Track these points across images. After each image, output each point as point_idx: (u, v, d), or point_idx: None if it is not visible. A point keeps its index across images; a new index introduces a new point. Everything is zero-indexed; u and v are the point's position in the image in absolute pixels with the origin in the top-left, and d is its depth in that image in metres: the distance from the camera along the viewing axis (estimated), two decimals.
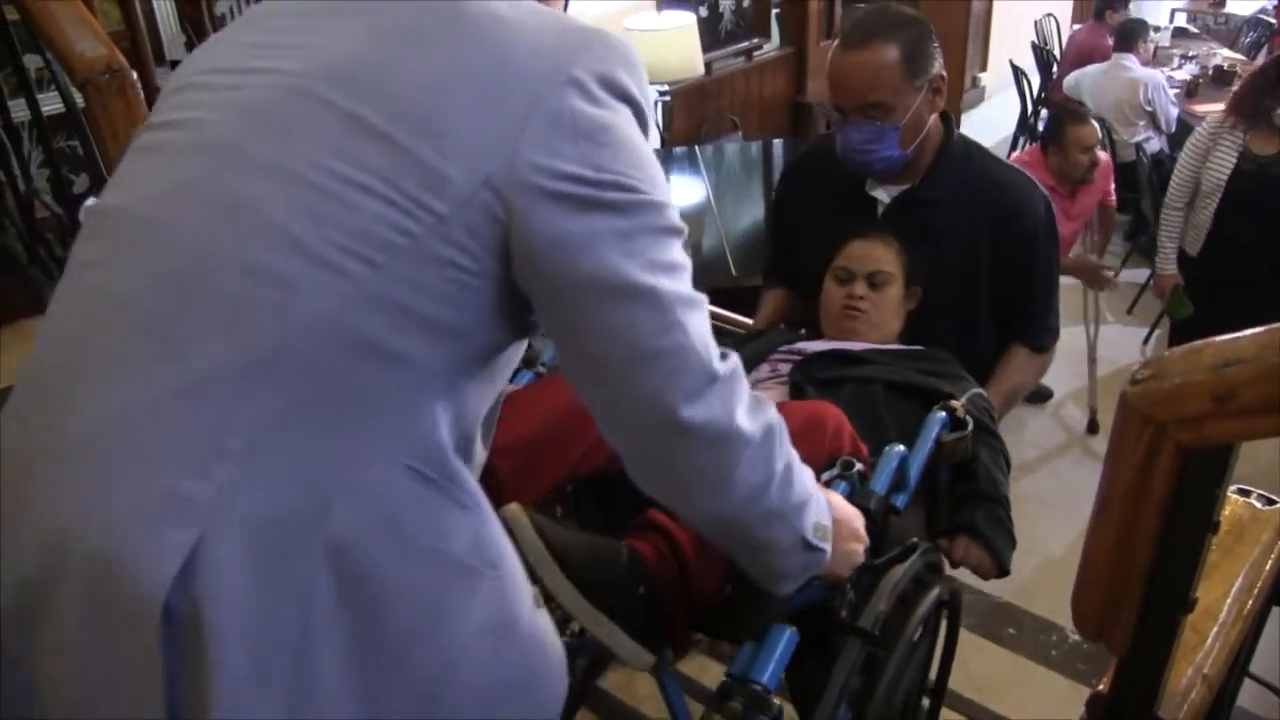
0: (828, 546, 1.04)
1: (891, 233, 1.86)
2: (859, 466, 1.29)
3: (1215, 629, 1.13)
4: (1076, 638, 2.75)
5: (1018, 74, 6.84)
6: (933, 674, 1.56)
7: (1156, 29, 7.24)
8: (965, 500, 1.61)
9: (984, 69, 8.04)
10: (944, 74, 1.89)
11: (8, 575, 0.82)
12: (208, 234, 0.82)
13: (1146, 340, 4.75)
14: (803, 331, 1.97)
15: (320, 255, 0.79)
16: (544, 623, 0.93)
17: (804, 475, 0.99)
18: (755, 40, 5.68)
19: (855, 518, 1.13)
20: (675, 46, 4.48)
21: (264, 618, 0.78)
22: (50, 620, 0.80)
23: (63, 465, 0.80)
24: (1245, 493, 1.33)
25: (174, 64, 3.42)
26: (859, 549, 1.13)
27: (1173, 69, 6.77)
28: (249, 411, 0.78)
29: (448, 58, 0.82)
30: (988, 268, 1.88)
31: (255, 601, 0.77)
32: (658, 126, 4.81)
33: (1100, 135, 3.96)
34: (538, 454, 1.25)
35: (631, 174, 0.82)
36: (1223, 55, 7.14)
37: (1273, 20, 8.49)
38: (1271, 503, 1.32)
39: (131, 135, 1.04)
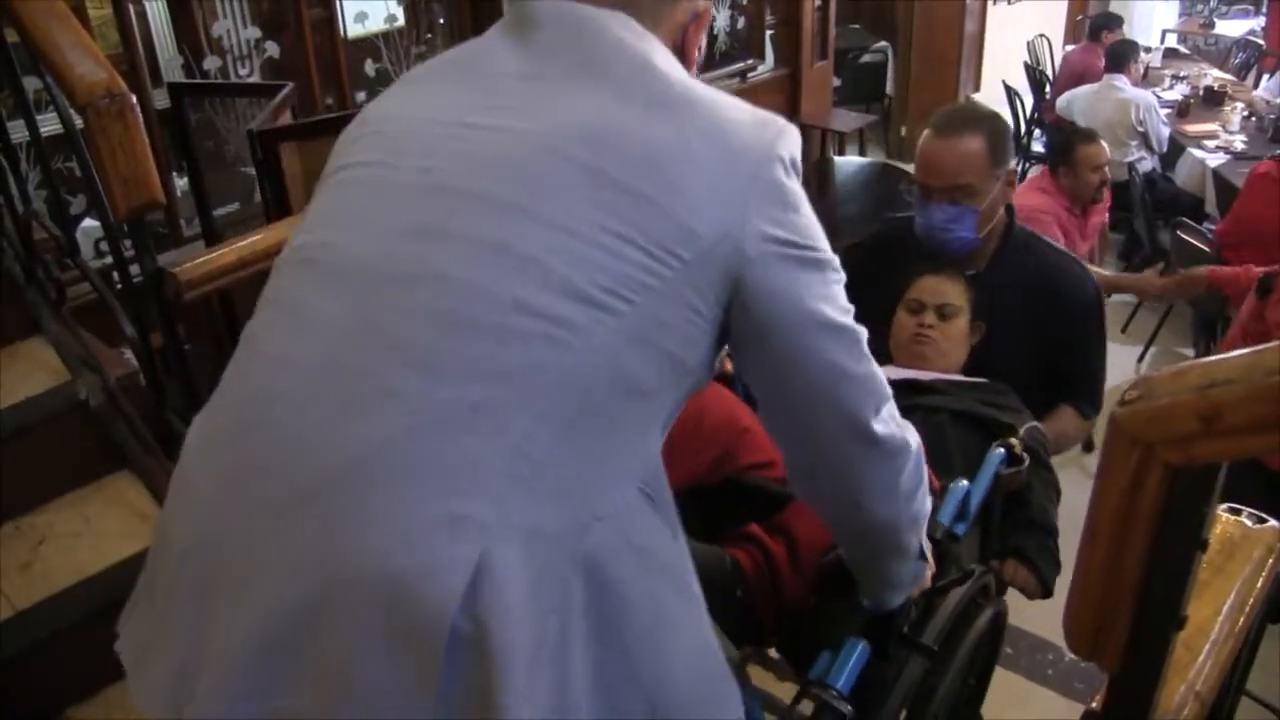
0: (928, 567, 1.23)
1: (960, 272, 2.05)
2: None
3: (1207, 646, 1.14)
4: (1072, 656, 2.75)
5: (1011, 94, 6.89)
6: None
7: (1148, 49, 7.30)
8: (1018, 526, 1.77)
9: (977, 89, 8.08)
10: (1016, 169, 2.16)
11: (262, 606, 0.84)
12: (474, 273, 0.88)
13: (1141, 358, 4.77)
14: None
15: (587, 295, 0.87)
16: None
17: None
18: (749, 61, 5.72)
19: (926, 546, 1.24)
20: None
21: (536, 632, 0.83)
22: (315, 646, 0.83)
23: (332, 493, 0.84)
24: (1236, 511, 1.34)
25: (170, 86, 3.43)
26: (927, 575, 1.28)
27: (1164, 89, 6.82)
28: (513, 437, 0.85)
29: (681, 127, 0.94)
30: (1044, 345, 2.07)
31: (531, 615, 0.82)
32: None
33: (1107, 153, 3.98)
34: None
35: (819, 237, 0.99)
36: (1213, 76, 7.19)
37: (1261, 42, 8.57)
38: (1262, 521, 1.33)
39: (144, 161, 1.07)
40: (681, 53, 1.07)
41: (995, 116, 2.16)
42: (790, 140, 0.98)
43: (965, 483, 1.52)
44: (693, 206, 0.91)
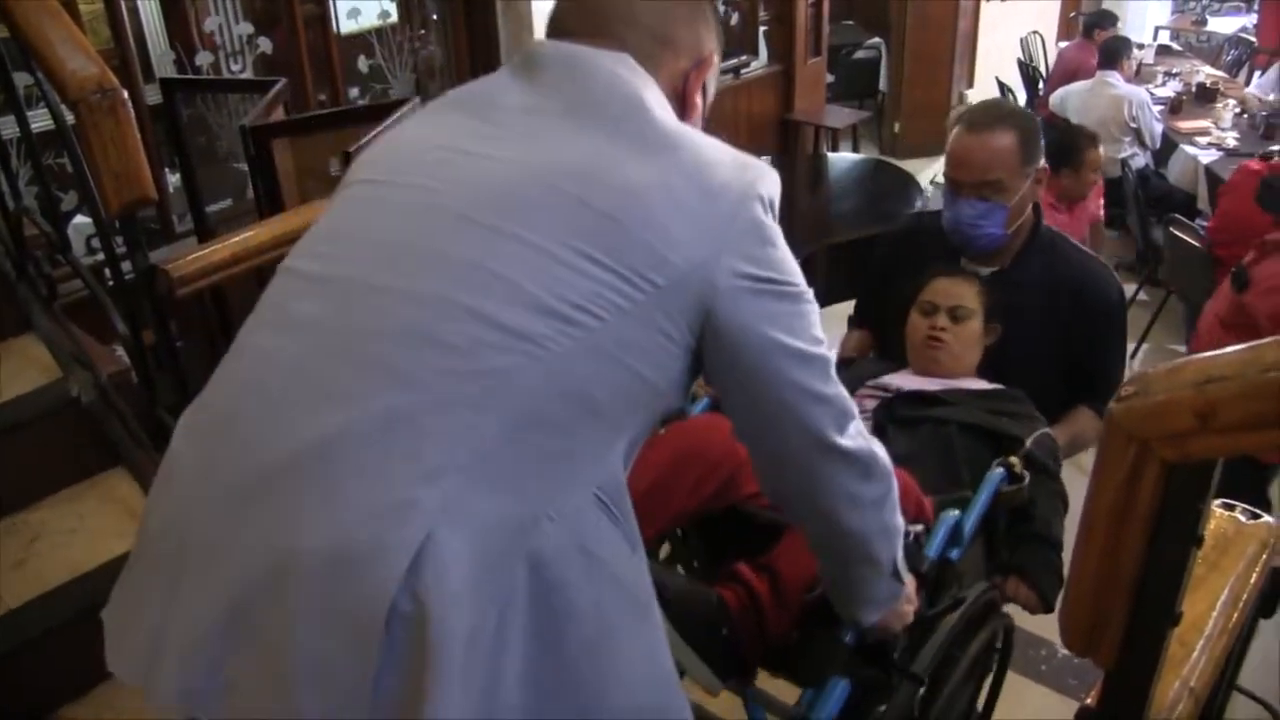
0: (904, 588, 1.27)
1: (976, 275, 2.07)
2: (916, 531, 1.42)
3: (1201, 642, 1.14)
4: (1066, 652, 2.75)
5: (1004, 91, 6.90)
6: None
7: (1141, 46, 7.32)
8: (1020, 541, 1.78)
9: (971, 86, 8.08)
10: (1047, 167, 2.12)
11: (221, 584, 0.90)
12: (446, 288, 0.95)
13: (1133, 355, 4.78)
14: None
15: (555, 310, 0.93)
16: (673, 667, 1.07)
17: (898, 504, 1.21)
18: (743, 58, 5.72)
19: (909, 582, 1.30)
20: None
21: (475, 621, 0.86)
22: (264, 621, 0.88)
23: (295, 477, 0.89)
24: (1230, 507, 1.35)
25: (162, 81, 3.42)
26: (910, 610, 1.33)
27: (1156, 86, 6.83)
28: (475, 433, 0.90)
29: (664, 166, 1.01)
30: (1064, 345, 2.08)
31: (469, 602, 0.86)
32: None
33: (1103, 156, 4.01)
34: (648, 504, 1.34)
35: (792, 272, 1.05)
36: (1205, 72, 7.21)
37: (1253, 39, 8.58)
38: (1256, 517, 1.33)
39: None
40: (682, 98, 1.15)
41: (1027, 114, 2.15)
42: (769, 182, 1.05)
43: (955, 513, 1.55)
44: (668, 238, 0.97)
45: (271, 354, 0.99)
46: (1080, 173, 3.89)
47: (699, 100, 1.18)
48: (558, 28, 1.15)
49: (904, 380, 2.01)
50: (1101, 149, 3.99)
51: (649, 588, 1.04)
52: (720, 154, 1.05)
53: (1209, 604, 1.19)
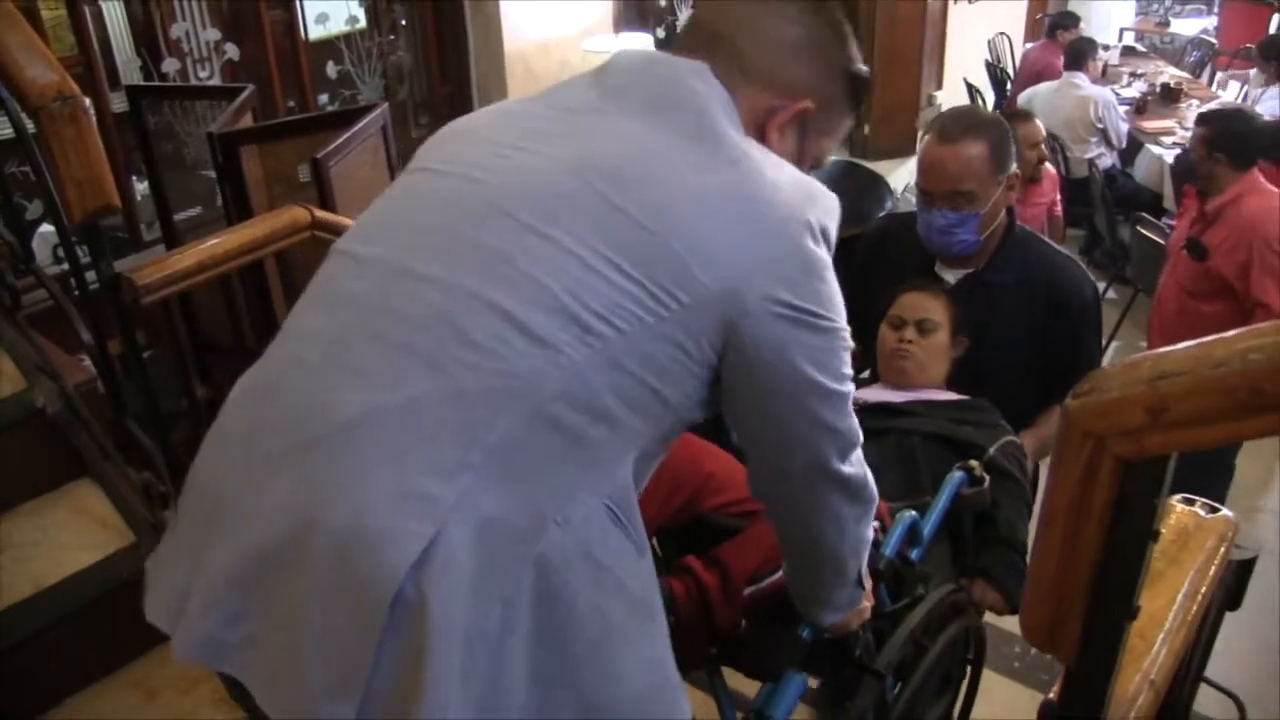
0: (865, 590, 1.32)
1: (944, 290, 2.11)
2: (874, 528, 1.43)
3: (1161, 635, 1.15)
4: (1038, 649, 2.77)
5: (972, 91, 6.95)
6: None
7: (1106, 47, 7.39)
8: (985, 545, 1.82)
9: (939, 87, 8.13)
10: (1019, 172, 2.16)
11: (246, 542, 0.94)
12: (476, 283, 0.96)
13: (1103, 352, 4.82)
14: (865, 375, 2.29)
15: (577, 316, 0.94)
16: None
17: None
18: None
19: (865, 576, 1.33)
20: None
21: (476, 616, 0.89)
22: (281, 585, 0.92)
23: (320, 452, 0.92)
24: (1189, 501, 1.36)
25: (128, 88, 3.40)
26: (867, 607, 1.38)
27: (1122, 86, 6.90)
28: (490, 432, 0.92)
29: (711, 180, 1.00)
30: (1040, 342, 2.11)
31: (471, 600, 0.89)
32: None
33: (1043, 132, 4.06)
34: None
35: (831, 305, 1.04)
36: (1169, 73, 7.30)
37: (1214, 40, 8.70)
38: (1215, 510, 1.35)
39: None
40: (762, 134, 1.11)
41: (998, 122, 2.16)
42: (823, 208, 1.04)
43: (911, 513, 1.59)
44: (702, 256, 0.97)
45: (313, 330, 1.02)
46: (1018, 151, 3.95)
47: (775, 136, 1.12)
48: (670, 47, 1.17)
49: (872, 394, 2.06)
50: (1042, 130, 4.05)
51: (655, 592, 1.06)
52: (779, 175, 1.03)
53: (1169, 598, 1.21)
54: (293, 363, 1.02)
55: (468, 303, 0.95)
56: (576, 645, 0.95)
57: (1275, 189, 3.63)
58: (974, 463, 1.74)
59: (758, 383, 1.03)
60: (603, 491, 0.99)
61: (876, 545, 1.47)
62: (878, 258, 2.29)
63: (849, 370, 1.09)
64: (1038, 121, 4.08)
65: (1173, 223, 4.72)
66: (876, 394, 2.06)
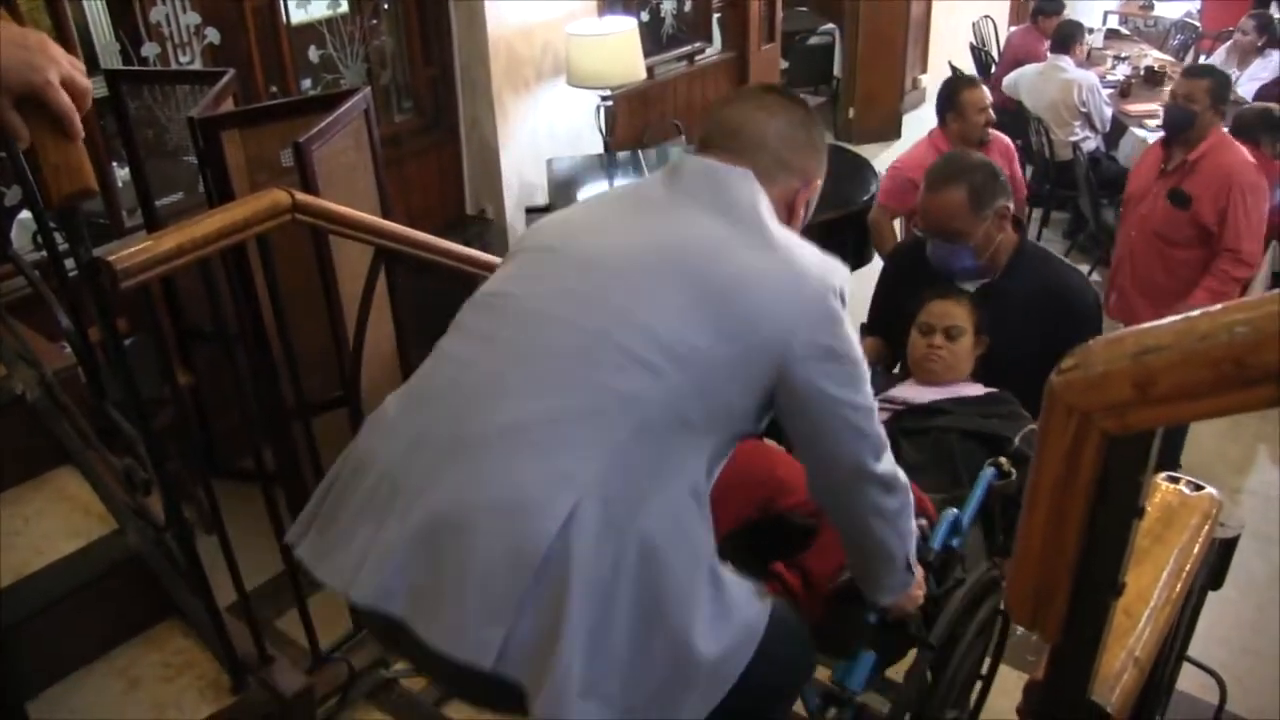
0: (915, 576, 1.67)
1: (966, 295, 2.45)
2: (921, 525, 1.71)
3: (1147, 613, 1.15)
4: (1024, 630, 2.79)
5: (956, 75, 6.91)
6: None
7: (1090, 30, 7.39)
8: (1013, 526, 1.91)
9: (924, 70, 8.13)
10: (1009, 204, 2.53)
11: (420, 514, 1.25)
12: (606, 325, 1.33)
13: None
14: (895, 371, 2.70)
15: (674, 351, 1.30)
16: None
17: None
18: (697, 44, 5.71)
19: (919, 572, 1.69)
20: (617, 51, 4.49)
21: (598, 571, 1.20)
22: (448, 545, 1.22)
23: (485, 449, 1.27)
24: (1175, 479, 1.36)
25: (108, 73, 3.36)
26: (919, 594, 1.73)
27: (1106, 69, 6.90)
28: (612, 435, 1.27)
29: (763, 259, 1.39)
30: (1049, 346, 2.28)
31: (595, 558, 1.20)
32: (601, 131, 4.82)
33: (990, 97, 4.16)
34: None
35: (853, 346, 1.42)
36: (1153, 56, 7.31)
37: (1197, 24, 8.71)
38: (1200, 488, 1.35)
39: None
40: (790, 208, 1.55)
41: (977, 168, 2.50)
42: (843, 278, 1.43)
43: (953, 511, 1.89)
44: (761, 314, 1.34)
45: (468, 359, 1.39)
46: (965, 114, 4.07)
47: (802, 212, 1.58)
48: (704, 142, 1.55)
49: (908, 392, 2.39)
50: (989, 95, 4.17)
51: (719, 561, 1.33)
52: (808, 255, 1.42)
53: (1154, 575, 1.21)
54: (452, 384, 1.37)
55: (598, 340, 1.31)
56: (666, 591, 1.23)
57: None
58: (1003, 459, 2.02)
59: (805, 408, 1.39)
60: (687, 479, 1.31)
61: (925, 539, 1.77)
62: (906, 270, 2.67)
63: (870, 390, 1.44)
64: (984, 87, 4.20)
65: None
66: (911, 392, 2.38)
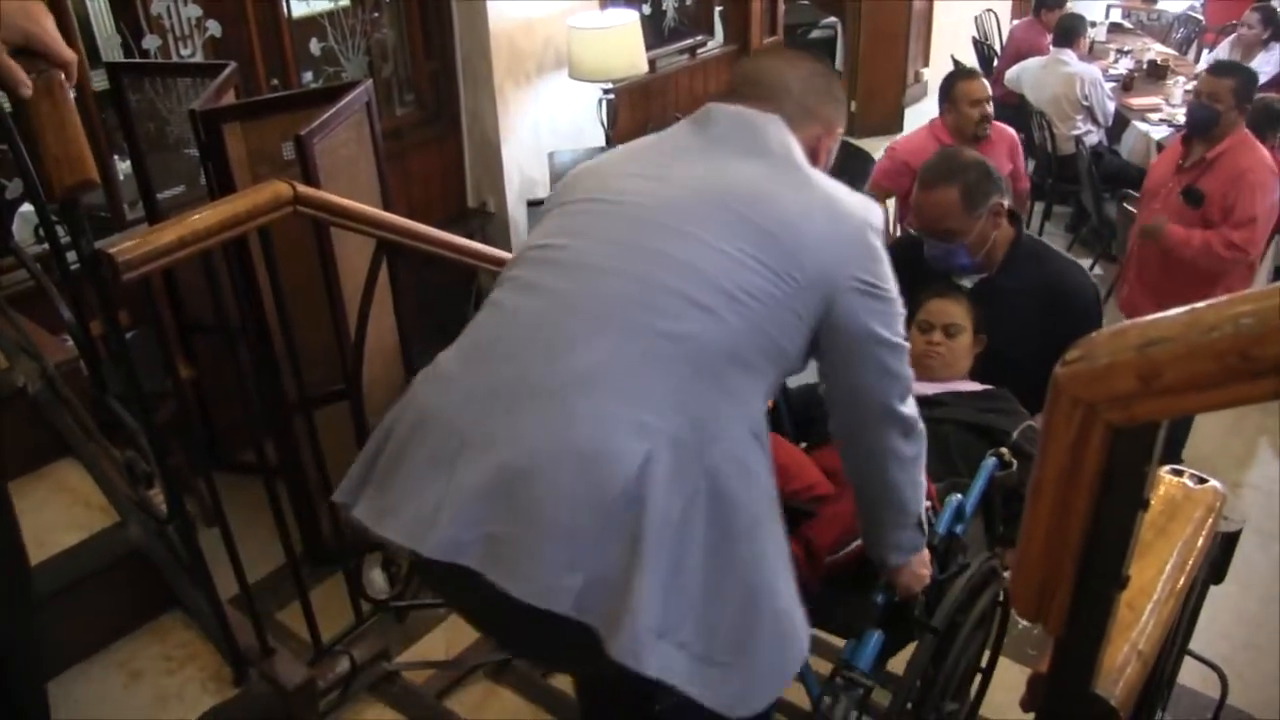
0: (924, 540, 1.70)
1: (964, 293, 2.47)
2: (926, 506, 1.73)
3: (1150, 605, 1.15)
4: (1025, 624, 2.79)
5: (958, 67, 6.90)
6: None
7: (1093, 24, 7.37)
8: (1014, 518, 2.07)
9: (926, 64, 8.11)
10: (1003, 201, 2.51)
11: (491, 465, 1.26)
12: (658, 273, 1.36)
13: None
14: None
15: (730, 293, 1.33)
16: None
17: None
18: (699, 38, 5.69)
19: (925, 552, 1.74)
20: (619, 44, 4.48)
21: (670, 510, 1.23)
22: (523, 494, 1.24)
23: (556, 399, 1.28)
24: (1178, 472, 1.36)
25: (109, 66, 3.35)
26: (926, 575, 1.76)
27: (1109, 63, 6.88)
28: (674, 379, 1.29)
29: (805, 198, 1.44)
30: (1049, 339, 2.38)
31: (669, 495, 1.23)
32: (603, 124, 4.81)
33: (989, 91, 4.17)
34: None
35: (891, 282, 1.47)
36: (1156, 50, 7.29)
37: (1201, 17, 8.68)
38: (1203, 481, 1.35)
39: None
40: (815, 153, 1.59)
41: (970, 167, 2.48)
42: (876, 215, 1.48)
43: (958, 497, 1.93)
44: (808, 251, 1.38)
45: (527, 311, 1.39)
46: (957, 106, 4.08)
47: (824, 159, 1.62)
48: (731, 91, 1.59)
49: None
50: (987, 88, 4.18)
51: (777, 496, 1.39)
52: (845, 194, 1.47)
53: (1157, 568, 1.21)
54: (513, 336, 1.38)
55: (654, 287, 1.34)
56: (736, 530, 1.27)
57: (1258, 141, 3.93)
58: (1004, 450, 2.06)
59: (843, 340, 1.43)
60: (748, 418, 1.35)
61: (930, 524, 1.78)
62: (902, 267, 2.62)
63: (903, 329, 1.49)
64: (983, 80, 4.21)
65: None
66: (914, 388, 2.33)
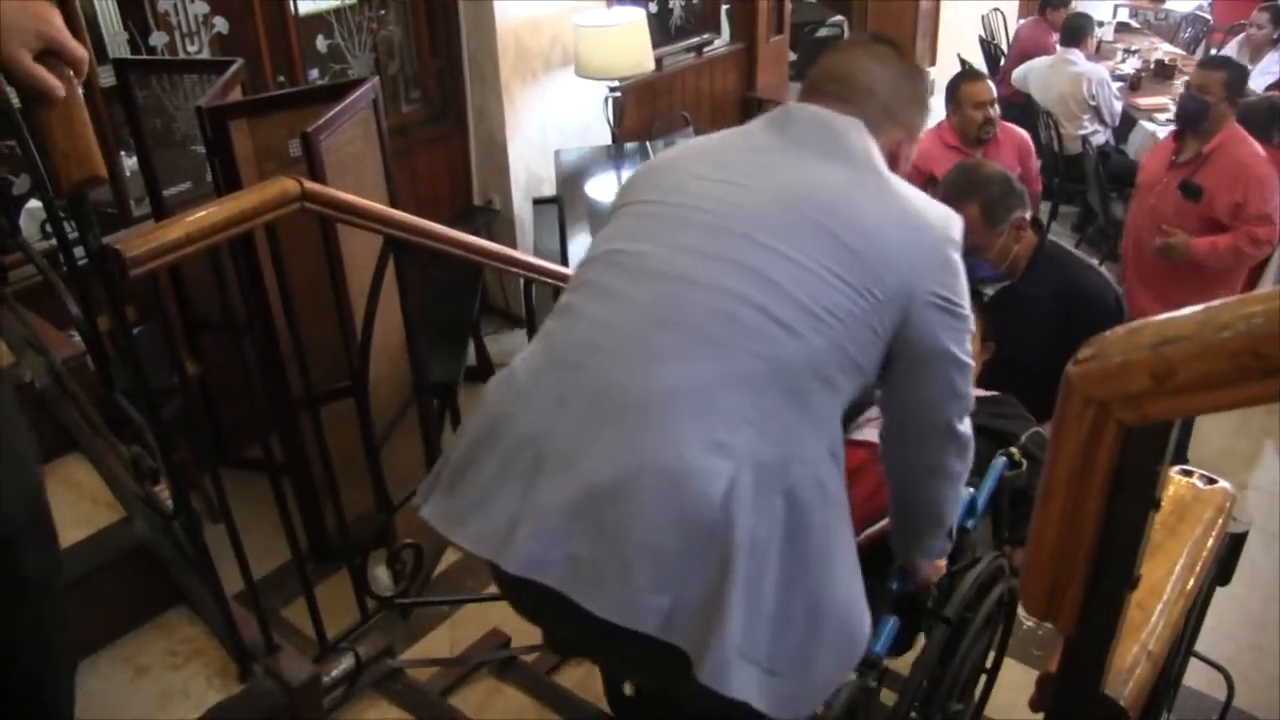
0: (950, 545, 1.69)
1: (976, 303, 2.47)
2: None
3: (1160, 606, 1.15)
4: (1030, 624, 2.79)
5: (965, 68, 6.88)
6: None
7: (1100, 24, 7.35)
8: (1022, 519, 2.09)
9: (933, 63, 8.08)
10: (1026, 214, 2.52)
11: (575, 482, 1.25)
12: (738, 286, 1.32)
13: None
14: None
15: (811, 310, 1.31)
16: None
17: None
18: (705, 36, 5.68)
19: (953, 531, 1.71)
20: (625, 43, 4.47)
21: (754, 531, 1.22)
22: (608, 515, 1.23)
23: (643, 415, 1.26)
24: (1188, 473, 1.36)
25: (116, 62, 3.35)
26: (942, 567, 1.78)
27: (1116, 63, 6.87)
28: (758, 399, 1.28)
29: (885, 209, 1.40)
30: (1068, 344, 2.29)
31: (753, 518, 1.23)
32: (609, 122, 4.80)
33: (993, 93, 4.16)
34: None
35: (966, 299, 1.43)
36: (1164, 50, 7.27)
37: (1209, 16, 8.66)
38: (1213, 482, 1.34)
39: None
40: (894, 158, 1.53)
41: (991, 182, 2.48)
42: (959, 227, 1.45)
43: (970, 490, 1.90)
44: (888, 265, 1.35)
45: (605, 320, 1.36)
46: (960, 108, 4.10)
47: (904, 164, 1.57)
48: (811, 88, 1.54)
49: None
50: (992, 90, 4.18)
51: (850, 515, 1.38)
52: (927, 204, 1.44)
53: (1167, 569, 1.20)
54: (591, 345, 1.35)
55: (739, 303, 1.30)
56: (810, 550, 1.27)
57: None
58: (1013, 450, 2.08)
59: (914, 353, 1.40)
60: (828, 438, 1.34)
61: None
62: None
63: (971, 348, 1.45)
64: (988, 82, 4.20)
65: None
66: None
